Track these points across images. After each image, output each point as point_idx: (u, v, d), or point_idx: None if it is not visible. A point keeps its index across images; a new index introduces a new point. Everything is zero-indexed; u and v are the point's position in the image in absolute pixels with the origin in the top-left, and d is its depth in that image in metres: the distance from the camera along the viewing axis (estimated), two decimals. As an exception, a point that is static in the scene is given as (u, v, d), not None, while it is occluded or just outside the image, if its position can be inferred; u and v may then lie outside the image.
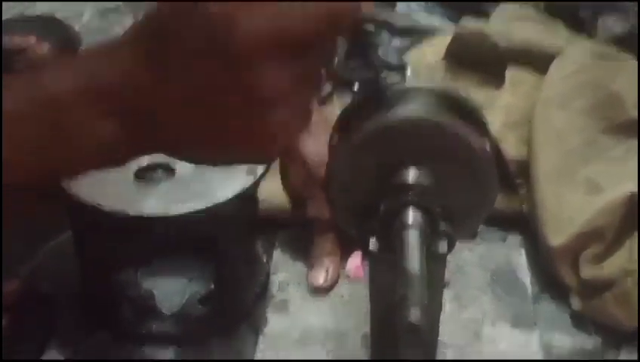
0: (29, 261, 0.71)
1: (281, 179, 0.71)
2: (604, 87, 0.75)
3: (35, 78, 0.39)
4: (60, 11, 1.06)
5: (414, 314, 0.42)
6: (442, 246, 0.49)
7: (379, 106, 0.47)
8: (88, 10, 1.08)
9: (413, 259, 0.44)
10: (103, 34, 1.02)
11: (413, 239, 0.46)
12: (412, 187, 0.47)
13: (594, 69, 0.78)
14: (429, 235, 0.47)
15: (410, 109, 0.48)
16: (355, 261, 0.71)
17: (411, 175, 0.48)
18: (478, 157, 0.48)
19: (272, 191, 0.70)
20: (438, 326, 0.55)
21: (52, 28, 0.98)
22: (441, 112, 0.48)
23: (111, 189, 0.57)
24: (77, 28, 1.02)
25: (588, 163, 0.72)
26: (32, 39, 0.96)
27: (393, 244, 0.47)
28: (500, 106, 0.78)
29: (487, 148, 0.50)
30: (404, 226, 0.46)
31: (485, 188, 0.51)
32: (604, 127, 0.74)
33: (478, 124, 0.51)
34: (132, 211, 0.56)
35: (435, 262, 0.48)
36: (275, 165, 0.69)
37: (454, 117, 0.48)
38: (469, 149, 0.48)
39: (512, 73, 0.83)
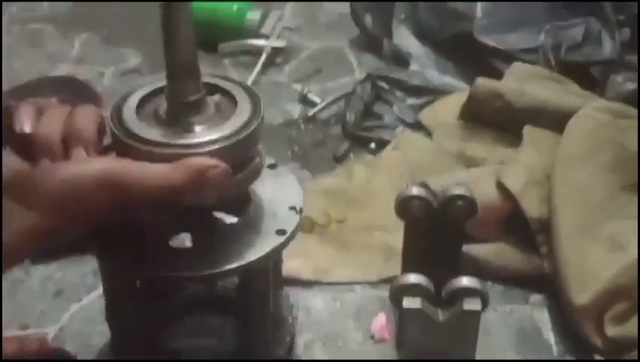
0: (56, 321, 0.72)
1: None
2: (623, 145, 0.76)
3: None
4: (81, 73, 1.09)
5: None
6: (476, 304, 0.50)
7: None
8: (109, 72, 1.10)
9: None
10: (123, 95, 1.04)
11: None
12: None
13: (613, 126, 0.79)
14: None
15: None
16: (379, 321, 0.71)
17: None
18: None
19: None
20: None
21: (74, 89, 0.99)
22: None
23: (143, 249, 0.57)
24: (98, 89, 1.04)
25: (610, 219, 0.73)
26: (53, 100, 0.97)
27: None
28: (522, 164, 0.79)
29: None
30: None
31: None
32: (625, 184, 0.74)
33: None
34: (165, 272, 0.57)
35: (469, 319, 0.49)
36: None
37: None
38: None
39: (529, 130, 0.84)
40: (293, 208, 0.61)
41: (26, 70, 1.10)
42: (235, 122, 0.55)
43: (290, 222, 0.60)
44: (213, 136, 0.54)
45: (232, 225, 0.59)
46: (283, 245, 0.59)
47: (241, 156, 0.56)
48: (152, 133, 0.54)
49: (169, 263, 0.57)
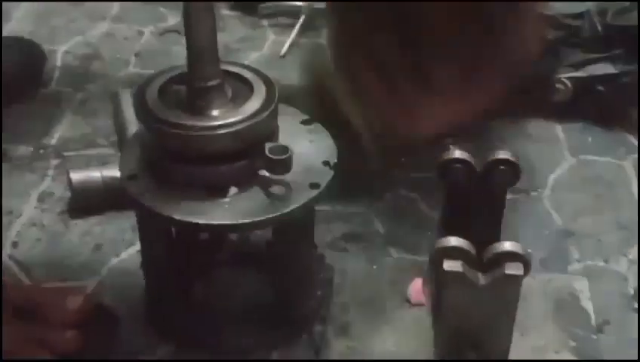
0: (95, 275, 0.73)
1: None
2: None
3: None
4: (120, 31, 1.09)
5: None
6: (518, 269, 0.49)
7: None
8: (147, 31, 1.10)
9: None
10: (162, 55, 1.05)
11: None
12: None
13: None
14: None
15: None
16: (416, 285, 0.71)
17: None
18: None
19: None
20: (509, 348, 0.55)
21: (19, 48, 0.96)
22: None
23: (182, 202, 0.58)
24: (137, 48, 1.05)
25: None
26: None
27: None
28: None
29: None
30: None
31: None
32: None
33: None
34: (202, 221, 0.57)
35: (510, 284, 0.48)
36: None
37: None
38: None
39: None
40: (326, 163, 0.62)
41: (65, 28, 1.10)
42: (249, 108, 0.59)
43: (324, 176, 0.61)
44: (228, 120, 0.58)
45: (266, 178, 0.60)
46: (316, 198, 0.60)
47: (254, 139, 0.59)
48: (171, 115, 0.58)
49: (204, 212, 0.58)
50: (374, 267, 0.74)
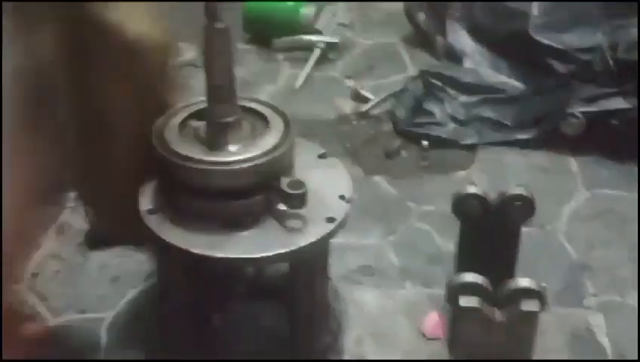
0: (113, 307, 0.73)
1: None
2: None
3: None
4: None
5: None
6: (534, 305, 0.49)
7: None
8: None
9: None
10: (180, 88, 1.06)
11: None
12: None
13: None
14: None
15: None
16: (432, 319, 0.71)
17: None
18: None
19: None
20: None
21: None
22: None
23: (200, 236, 0.59)
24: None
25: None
26: None
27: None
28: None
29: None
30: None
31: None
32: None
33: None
34: (219, 254, 0.58)
35: (527, 320, 0.48)
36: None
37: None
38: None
39: None
40: (342, 197, 0.63)
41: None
42: (266, 143, 0.60)
43: (340, 210, 0.62)
44: (246, 156, 0.59)
45: (282, 212, 0.60)
46: (332, 232, 0.61)
47: (271, 174, 0.60)
48: (190, 149, 0.60)
49: (221, 246, 0.59)
50: (389, 300, 0.75)
